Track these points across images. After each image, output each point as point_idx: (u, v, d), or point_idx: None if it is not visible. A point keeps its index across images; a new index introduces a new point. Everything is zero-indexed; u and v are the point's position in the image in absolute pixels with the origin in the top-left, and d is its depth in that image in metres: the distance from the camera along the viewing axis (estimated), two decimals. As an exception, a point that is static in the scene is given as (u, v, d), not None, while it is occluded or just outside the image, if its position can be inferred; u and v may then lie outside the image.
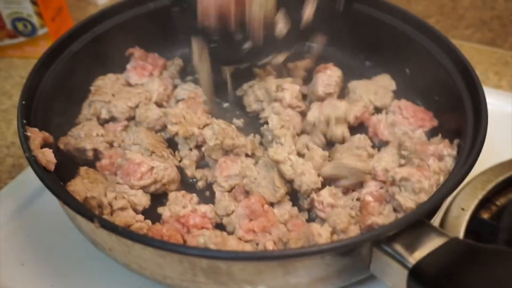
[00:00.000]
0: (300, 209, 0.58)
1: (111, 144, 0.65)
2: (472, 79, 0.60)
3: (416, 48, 0.70)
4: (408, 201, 0.51)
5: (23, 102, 0.58)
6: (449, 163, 0.57)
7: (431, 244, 0.44)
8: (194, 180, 0.63)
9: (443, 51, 0.67)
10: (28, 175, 0.70)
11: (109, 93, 0.70)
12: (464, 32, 0.99)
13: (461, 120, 0.59)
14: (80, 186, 0.57)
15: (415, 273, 0.43)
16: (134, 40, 0.77)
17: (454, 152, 0.57)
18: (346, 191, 0.58)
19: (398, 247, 0.44)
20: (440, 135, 0.63)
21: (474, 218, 0.63)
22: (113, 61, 0.74)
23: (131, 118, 0.69)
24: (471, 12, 0.96)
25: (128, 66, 0.75)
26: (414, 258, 0.44)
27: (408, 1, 1.00)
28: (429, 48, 0.69)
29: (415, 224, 0.45)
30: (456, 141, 0.59)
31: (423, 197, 0.51)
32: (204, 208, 0.57)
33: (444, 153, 0.58)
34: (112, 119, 0.69)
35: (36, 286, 0.58)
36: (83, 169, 0.60)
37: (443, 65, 0.66)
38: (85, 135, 0.64)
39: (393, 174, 0.53)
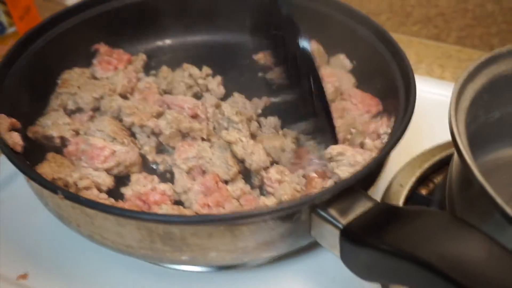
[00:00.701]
0: (252, 187, 0.64)
1: (77, 132, 0.69)
2: (404, 65, 0.66)
3: (360, 41, 0.77)
4: (345, 172, 0.57)
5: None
6: (384, 139, 0.63)
7: (362, 208, 0.50)
8: (155, 164, 0.68)
9: (382, 43, 0.73)
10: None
11: (75, 85, 0.74)
12: (412, 28, 1.06)
13: (397, 103, 0.65)
14: (47, 169, 0.61)
15: (346, 233, 0.49)
16: (99, 36, 0.81)
17: (389, 130, 0.64)
18: (293, 169, 0.64)
19: (332, 211, 0.50)
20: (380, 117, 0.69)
21: (413, 194, 0.69)
22: (78, 56, 0.79)
23: (96, 109, 0.74)
24: (418, 9, 1.03)
25: (94, 61, 0.79)
26: (346, 220, 0.49)
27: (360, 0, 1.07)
28: (371, 41, 0.75)
29: (348, 190, 0.51)
30: (392, 119, 0.65)
31: (359, 169, 0.57)
32: (163, 186, 0.62)
33: (380, 131, 0.64)
34: (78, 110, 0.73)
35: (11, 269, 0.62)
36: (50, 155, 0.65)
37: (382, 55, 0.72)
38: (52, 123, 0.68)
39: (330, 151, 0.59)
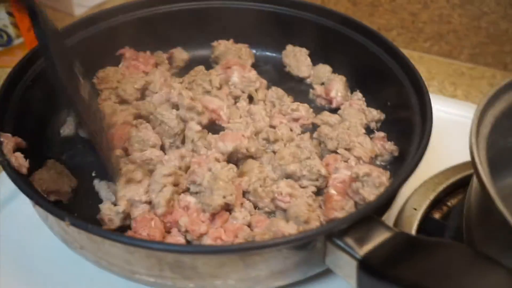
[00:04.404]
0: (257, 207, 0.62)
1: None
2: (420, 87, 0.65)
3: (372, 58, 0.76)
4: (371, 195, 0.56)
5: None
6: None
7: (379, 237, 0.48)
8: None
9: (398, 64, 0.72)
10: (1, 178, 0.72)
11: (114, 80, 0.77)
12: (423, 45, 1.05)
13: (409, 125, 0.64)
14: (45, 176, 0.61)
15: (364, 264, 0.47)
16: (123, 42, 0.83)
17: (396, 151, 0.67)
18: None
19: (349, 241, 0.48)
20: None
21: (427, 217, 0.68)
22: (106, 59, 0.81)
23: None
24: (430, 26, 1.02)
25: (121, 65, 0.81)
26: (363, 250, 0.47)
27: (371, 14, 1.05)
28: (384, 60, 0.74)
29: (365, 219, 0.49)
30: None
31: (382, 192, 0.56)
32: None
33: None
34: (122, 101, 0.75)
35: (11, 286, 0.60)
36: (50, 161, 0.64)
37: (396, 75, 0.71)
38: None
39: (357, 170, 0.58)
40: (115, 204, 0.61)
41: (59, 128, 0.72)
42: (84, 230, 0.47)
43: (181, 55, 0.86)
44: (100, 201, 0.62)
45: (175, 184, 0.63)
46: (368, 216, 0.50)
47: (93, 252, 0.52)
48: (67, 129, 0.72)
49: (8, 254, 0.63)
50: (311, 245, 0.49)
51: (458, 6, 0.97)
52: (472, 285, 0.43)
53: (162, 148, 0.69)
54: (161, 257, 0.48)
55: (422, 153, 0.55)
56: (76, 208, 0.62)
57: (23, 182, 0.53)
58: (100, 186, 0.64)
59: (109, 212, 0.58)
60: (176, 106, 0.72)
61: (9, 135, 0.59)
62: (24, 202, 0.67)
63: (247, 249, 0.47)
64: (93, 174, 0.67)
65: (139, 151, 0.67)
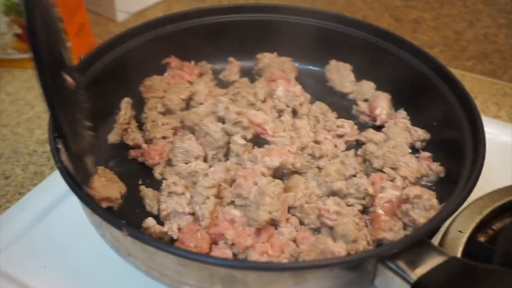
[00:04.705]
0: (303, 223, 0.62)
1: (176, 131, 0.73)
2: (471, 110, 0.64)
3: (417, 76, 0.76)
4: (421, 217, 0.56)
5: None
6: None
7: (432, 262, 0.48)
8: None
9: (446, 83, 0.71)
10: (50, 182, 0.74)
11: (160, 89, 0.79)
12: (466, 63, 1.04)
13: (457, 147, 0.64)
14: (98, 184, 0.62)
15: (417, 288, 0.47)
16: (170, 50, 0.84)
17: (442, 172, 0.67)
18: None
19: (401, 264, 0.48)
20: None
21: (471, 240, 0.67)
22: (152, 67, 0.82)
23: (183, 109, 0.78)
24: (473, 44, 1.01)
25: (167, 74, 0.83)
26: (416, 274, 0.47)
27: (413, 31, 1.05)
28: (430, 78, 0.74)
29: (417, 243, 0.49)
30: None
31: (433, 214, 0.56)
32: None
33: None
34: (168, 111, 0.77)
35: (57, 287, 0.62)
36: (100, 169, 0.65)
37: (444, 95, 0.70)
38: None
39: (408, 192, 0.57)
40: (157, 216, 0.62)
41: (107, 135, 0.74)
42: (141, 241, 0.48)
43: (235, 67, 0.87)
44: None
45: (219, 197, 0.63)
46: (421, 240, 0.50)
47: (144, 262, 0.53)
48: (114, 136, 0.73)
49: (54, 257, 0.65)
50: (362, 266, 0.49)
51: (505, 26, 0.96)
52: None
53: (205, 159, 0.70)
54: (213, 271, 0.49)
55: (477, 178, 0.54)
56: (125, 215, 0.63)
57: (80, 190, 0.54)
58: (146, 194, 0.65)
59: (153, 230, 0.59)
60: (221, 119, 0.72)
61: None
62: (70, 207, 0.69)
63: (301, 268, 0.47)
64: (140, 182, 0.68)
65: (182, 162, 0.68)
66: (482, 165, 0.57)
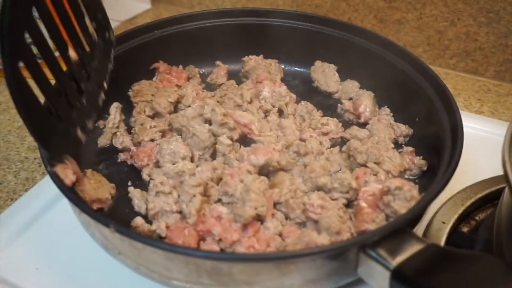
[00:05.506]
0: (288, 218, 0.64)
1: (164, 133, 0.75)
2: (451, 105, 0.66)
3: (400, 75, 0.78)
4: (402, 208, 0.58)
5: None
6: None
7: (411, 249, 0.50)
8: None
9: (428, 81, 0.73)
10: (41, 187, 0.75)
11: (149, 94, 0.81)
12: (449, 62, 1.06)
13: (438, 141, 0.65)
14: (87, 186, 0.63)
15: (397, 274, 0.48)
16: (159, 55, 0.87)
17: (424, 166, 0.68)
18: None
19: (382, 252, 0.50)
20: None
21: (455, 231, 0.68)
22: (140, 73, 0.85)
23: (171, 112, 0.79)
24: (456, 43, 1.03)
25: (155, 79, 0.86)
26: (396, 261, 0.49)
27: (397, 31, 1.07)
28: (413, 76, 0.75)
29: (397, 232, 0.51)
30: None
31: (413, 204, 0.57)
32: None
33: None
34: (156, 114, 0.79)
35: (49, 289, 0.63)
36: (88, 171, 0.66)
37: (426, 92, 0.72)
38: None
39: (389, 184, 0.59)
40: (146, 216, 0.63)
41: (97, 139, 0.75)
42: (128, 237, 0.49)
43: (222, 70, 0.89)
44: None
45: (206, 195, 0.65)
46: (400, 228, 0.51)
47: (133, 259, 0.54)
48: (104, 139, 0.75)
49: (46, 259, 0.66)
50: (344, 255, 0.51)
51: (485, 25, 0.98)
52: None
53: (192, 160, 0.71)
54: (199, 264, 0.50)
55: (453, 170, 0.56)
56: (115, 216, 0.64)
57: (69, 191, 0.55)
58: (134, 194, 0.67)
59: (142, 228, 0.61)
60: (208, 121, 0.74)
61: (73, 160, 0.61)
62: (61, 210, 0.71)
63: (284, 258, 0.49)
64: (129, 184, 0.69)
65: (170, 163, 0.69)
66: (459, 156, 0.58)
